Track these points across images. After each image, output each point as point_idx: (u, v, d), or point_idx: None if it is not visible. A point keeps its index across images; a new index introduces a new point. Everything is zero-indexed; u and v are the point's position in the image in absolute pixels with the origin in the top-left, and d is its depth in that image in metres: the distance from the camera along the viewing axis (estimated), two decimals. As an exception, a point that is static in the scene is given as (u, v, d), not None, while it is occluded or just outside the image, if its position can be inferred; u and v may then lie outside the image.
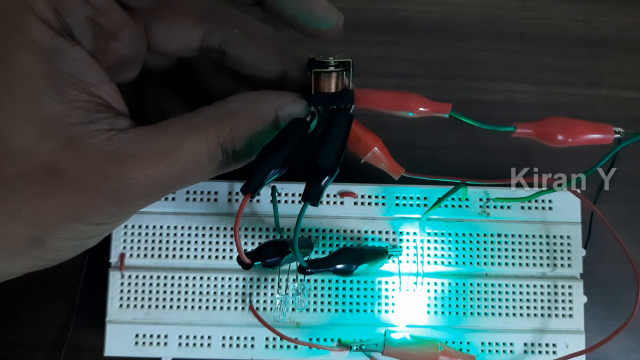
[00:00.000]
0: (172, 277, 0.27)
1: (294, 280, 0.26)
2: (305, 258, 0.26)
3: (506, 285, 0.27)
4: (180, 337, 0.26)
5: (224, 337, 0.26)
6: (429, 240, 0.27)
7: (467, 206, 0.27)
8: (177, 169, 0.17)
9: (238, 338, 0.26)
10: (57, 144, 0.16)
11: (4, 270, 0.17)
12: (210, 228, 0.27)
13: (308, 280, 0.26)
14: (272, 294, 0.26)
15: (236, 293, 0.26)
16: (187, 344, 0.26)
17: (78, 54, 0.17)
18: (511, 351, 0.26)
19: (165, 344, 0.26)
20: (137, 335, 0.26)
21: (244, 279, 0.26)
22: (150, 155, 0.17)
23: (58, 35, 0.16)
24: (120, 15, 0.18)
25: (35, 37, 0.16)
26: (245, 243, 0.27)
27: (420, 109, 0.21)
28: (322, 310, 0.26)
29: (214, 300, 0.26)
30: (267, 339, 0.26)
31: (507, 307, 0.27)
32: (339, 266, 0.23)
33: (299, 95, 0.20)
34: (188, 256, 0.27)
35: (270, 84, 0.21)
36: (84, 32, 0.17)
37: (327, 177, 0.18)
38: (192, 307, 0.26)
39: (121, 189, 0.16)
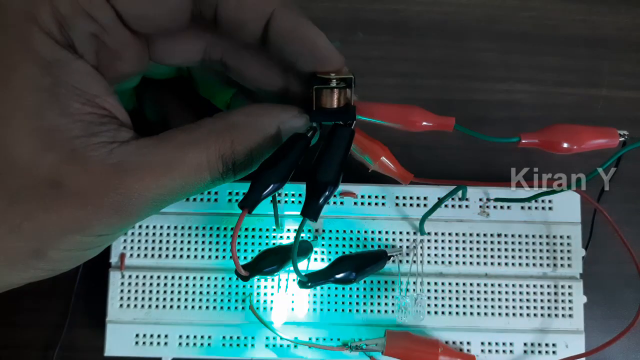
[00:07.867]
0: (172, 277, 0.27)
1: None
2: (305, 260, 0.26)
3: (506, 285, 0.27)
4: (180, 337, 0.26)
5: (224, 337, 0.26)
6: (428, 241, 0.27)
7: (467, 206, 0.27)
8: (179, 181, 0.17)
9: (238, 338, 0.26)
10: (59, 157, 0.16)
11: (4, 281, 0.17)
12: (210, 228, 0.27)
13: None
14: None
15: (236, 293, 0.26)
16: (187, 344, 0.26)
17: (81, 67, 0.17)
18: (511, 351, 0.26)
19: (166, 344, 0.26)
20: (137, 335, 0.26)
21: (244, 279, 0.26)
22: (152, 168, 0.17)
23: (61, 48, 0.16)
24: (124, 34, 0.18)
25: (39, 49, 0.16)
26: (246, 243, 0.27)
27: (423, 123, 0.21)
28: (321, 310, 0.27)
29: (214, 300, 0.26)
30: (267, 339, 0.26)
31: (507, 307, 0.27)
32: (339, 276, 0.23)
33: (301, 109, 0.19)
34: (188, 256, 0.27)
35: (271, 95, 0.21)
36: (87, 48, 0.17)
37: (327, 193, 0.18)
38: (192, 307, 0.26)
39: (123, 201, 0.16)
